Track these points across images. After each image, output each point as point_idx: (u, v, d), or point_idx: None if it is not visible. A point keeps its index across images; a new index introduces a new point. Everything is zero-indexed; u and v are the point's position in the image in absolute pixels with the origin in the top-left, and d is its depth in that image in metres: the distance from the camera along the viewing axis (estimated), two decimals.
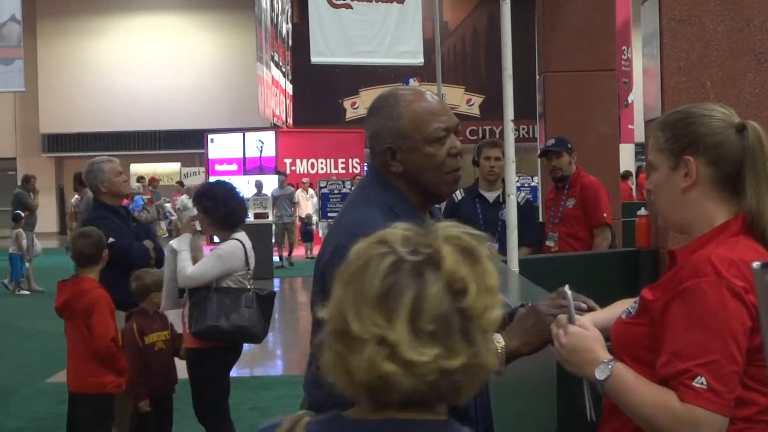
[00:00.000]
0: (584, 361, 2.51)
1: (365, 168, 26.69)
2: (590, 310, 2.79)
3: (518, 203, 7.65)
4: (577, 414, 2.66)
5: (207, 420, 6.60)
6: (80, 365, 6.44)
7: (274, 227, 22.67)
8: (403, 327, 1.64)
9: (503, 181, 7.16)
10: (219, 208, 6.54)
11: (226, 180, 7.76)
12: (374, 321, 1.65)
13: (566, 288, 2.68)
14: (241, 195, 7.03)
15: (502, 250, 7.09)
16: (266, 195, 24.63)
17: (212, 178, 29.80)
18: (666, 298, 2.43)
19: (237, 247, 6.54)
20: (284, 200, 23.82)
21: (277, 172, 26.46)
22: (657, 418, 2.37)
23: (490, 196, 7.76)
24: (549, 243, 8.19)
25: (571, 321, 2.59)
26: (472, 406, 2.93)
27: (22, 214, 19.37)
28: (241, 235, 6.63)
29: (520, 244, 7.68)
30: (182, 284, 6.41)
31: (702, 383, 2.31)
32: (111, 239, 6.83)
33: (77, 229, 6.85)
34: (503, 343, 2.74)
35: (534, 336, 2.73)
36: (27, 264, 18.99)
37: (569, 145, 8.18)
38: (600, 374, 2.46)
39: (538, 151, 8.83)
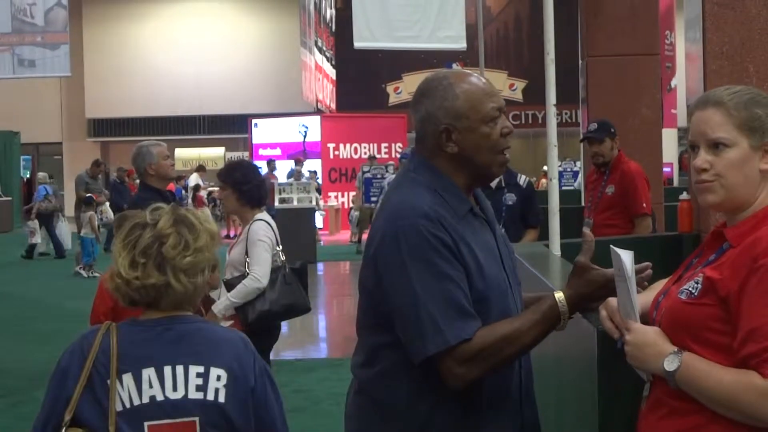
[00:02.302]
0: (649, 355, 2.50)
1: (399, 154, 26.72)
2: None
3: (521, 186, 7.82)
4: (619, 394, 2.69)
5: None
6: None
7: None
8: (125, 257, 2.86)
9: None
10: (251, 180, 6.67)
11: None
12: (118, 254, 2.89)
13: (626, 256, 2.64)
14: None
15: (508, 234, 7.03)
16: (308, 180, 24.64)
17: (256, 163, 29.99)
18: (740, 276, 2.39)
19: (266, 227, 6.62)
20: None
21: (296, 161, 26.19)
22: (740, 398, 2.33)
23: (493, 182, 7.57)
24: (585, 229, 7.96)
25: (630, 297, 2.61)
26: (515, 385, 2.98)
27: (94, 197, 19.79)
28: (264, 215, 6.73)
29: (527, 226, 7.76)
30: (257, 293, 6.46)
31: None
32: None
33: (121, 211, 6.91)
34: (562, 295, 2.79)
35: (593, 287, 2.82)
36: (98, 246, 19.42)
37: (612, 130, 8.02)
38: (669, 365, 2.44)
39: (581, 136, 8.72)
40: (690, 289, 2.51)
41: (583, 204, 9.25)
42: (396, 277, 2.77)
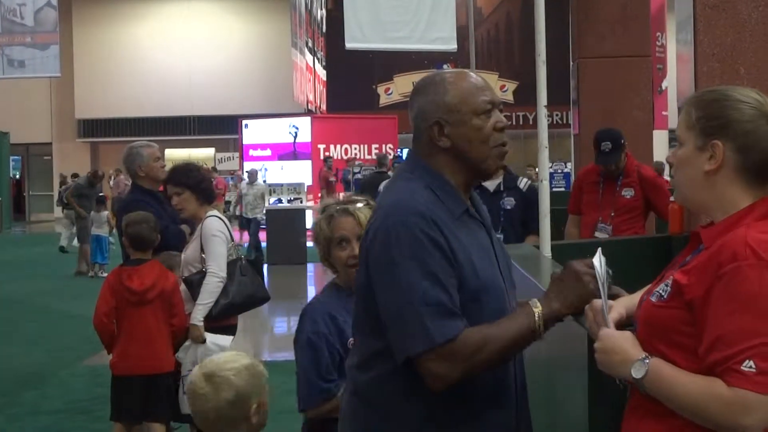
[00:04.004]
0: (617, 362, 2.49)
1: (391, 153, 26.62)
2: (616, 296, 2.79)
3: (521, 189, 7.53)
4: (609, 396, 2.68)
5: None
6: (161, 346, 6.53)
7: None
8: None
9: (505, 168, 6.90)
10: (204, 178, 6.80)
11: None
12: None
13: (596, 259, 2.67)
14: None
15: (507, 240, 6.95)
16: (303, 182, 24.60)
17: (246, 164, 30.00)
18: (705, 283, 2.39)
19: (219, 222, 6.66)
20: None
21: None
22: (707, 407, 2.33)
23: (491, 185, 7.44)
24: (601, 234, 7.82)
25: (602, 297, 2.62)
26: (510, 389, 2.96)
27: (106, 197, 19.96)
28: (214, 211, 6.77)
29: (528, 232, 7.38)
30: (220, 286, 6.51)
31: (751, 366, 2.28)
32: None
33: (127, 215, 6.94)
34: (540, 308, 2.76)
35: (573, 296, 2.75)
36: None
37: (623, 141, 7.78)
38: (636, 373, 2.43)
39: (571, 137, 8.52)
40: (660, 291, 2.51)
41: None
42: (385, 275, 2.75)
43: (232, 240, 6.74)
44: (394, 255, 2.73)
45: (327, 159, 27.13)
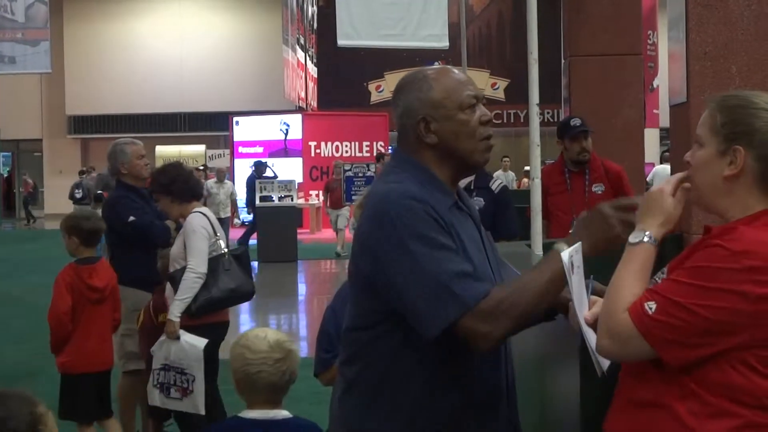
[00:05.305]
0: (644, 213, 2.61)
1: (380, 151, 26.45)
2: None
3: (493, 191, 7.27)
4: (602, 392, 2.68)
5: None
6: (110, 342, 6.67)
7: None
8: None
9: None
10: (175, 178, 6.73)
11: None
12: None
13: (566, 252, 2.70)
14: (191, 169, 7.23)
15: None
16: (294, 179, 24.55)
17: (237, 161, 29.98)
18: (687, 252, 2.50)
19: (201, 217, 6.66)
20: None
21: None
22: (607, 309, 2.48)
23: (462, 182, 7.09)
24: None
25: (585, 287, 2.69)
26: (503, 381, 2.98)
27: (104, 195, 19.84)
28: (201, 208, 6.79)
29: (497, 237, 7.19)
30: (199, 282, 6.50)
31: (650, 308, 2.39)
32: (132, 218, 7.04)
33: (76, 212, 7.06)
34: (566, 250, 2.74)
35: (597, 237, 2.74)
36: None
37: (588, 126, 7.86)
38: (633, 237, 2.57)
39: (557, 130, 8.34)
40: (657, 279, 2.59)
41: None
42: (397, 256, 2.74)
43: (216, 235, 6.71)
44: (403, 236, 2.73)
45: (380, 156, 25.80)
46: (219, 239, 6.73)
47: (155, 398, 6.58)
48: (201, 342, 6.44)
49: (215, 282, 6.56)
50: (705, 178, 2.57)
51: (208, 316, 6.57)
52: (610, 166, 7.93)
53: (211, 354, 6.56)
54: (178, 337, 6.41)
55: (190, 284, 6.44)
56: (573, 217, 7.73)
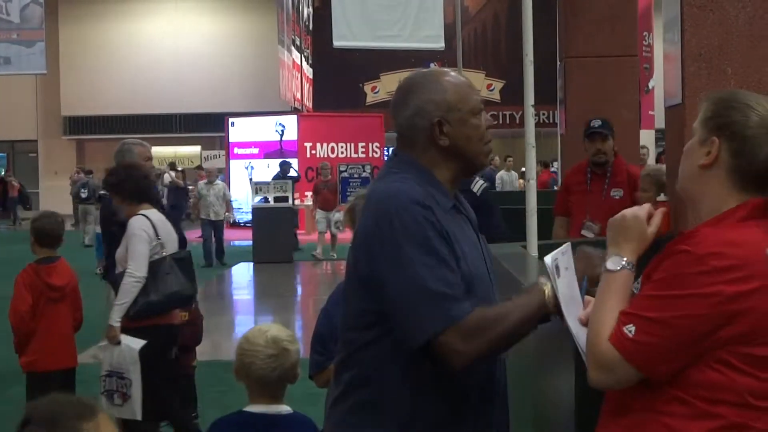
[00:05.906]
0: (615, 238, 2.63)
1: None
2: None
3: (474, 193, 7.20)
4: (596, 393, 2.68)
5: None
6: (72, 342, 6.87)
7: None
8: None
9: None
10: (124, 178, 6.74)
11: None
12: None
13: (550, 256, 2.74)
14: (145, 171, 7.19)
15: None
16: (288, 180, 24.48)
17: (232, 162, 29.95)
18: (658, 259, 2.50)
19: (143, 220, 6.62)
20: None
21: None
22: (591, 341, 2.49)
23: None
24: (588, 233, 7.61)
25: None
26: (496, 383, 2.98)
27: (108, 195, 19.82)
28: (149, 211, 6.73)
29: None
30: (138, 286, 6.48)
31: (630, 331, 2.40)
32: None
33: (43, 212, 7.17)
34: (549, 287, 2.77)
35: (580, 275, 2.78)
36: None
37: (612, 128, 7.77)
38: (611, 264, 2.57)
39: (558, 135, 8.35)
40: (634, 289, 2.60)
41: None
42: (392, 259, 2.75)
43: (158, 238, 6.65)
44: (400, 239, 2.74)
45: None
46: (161, 242, 6.66)
47: (103, 406, 6.55)
48: (137, 344, 6.41)
49: (155, 286, 6.52)
50: (685, 165, 2.63)
51: (149, 318, 6.54)
52: (634, 172, 7.75)
53: (156, 358, 6.53)
54: (118, 342, 6.41)
55: (129, 288, 6.44)
56: (586, 217, 7.72)
